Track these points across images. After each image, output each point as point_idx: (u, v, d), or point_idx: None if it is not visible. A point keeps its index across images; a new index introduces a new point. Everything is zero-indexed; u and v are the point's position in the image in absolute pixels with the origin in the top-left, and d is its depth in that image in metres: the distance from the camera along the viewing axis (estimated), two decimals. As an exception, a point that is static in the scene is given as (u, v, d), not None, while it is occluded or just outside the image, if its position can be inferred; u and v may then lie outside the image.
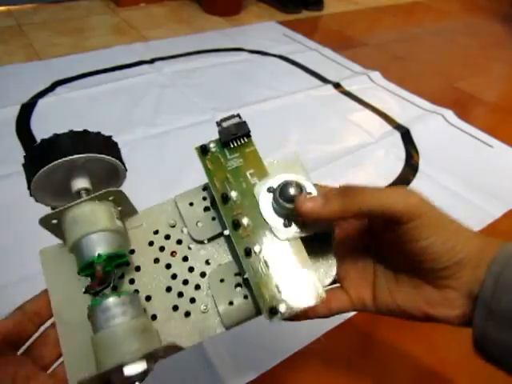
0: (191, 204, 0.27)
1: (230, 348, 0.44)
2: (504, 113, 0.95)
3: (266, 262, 0.23)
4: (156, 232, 0.26)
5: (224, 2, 1.31)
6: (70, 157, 0.23)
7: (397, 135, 0.81)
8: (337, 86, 0.95)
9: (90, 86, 0.85)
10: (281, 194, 0.24)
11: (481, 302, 0.21)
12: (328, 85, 0.95)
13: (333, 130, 0.81)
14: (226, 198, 0.24)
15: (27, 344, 0.24)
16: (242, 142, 0.26)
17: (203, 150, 0.26)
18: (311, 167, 0.67)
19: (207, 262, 0.26)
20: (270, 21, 1.29)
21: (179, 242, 0.26)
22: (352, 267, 0.27)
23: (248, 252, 0.23)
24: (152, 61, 0.97)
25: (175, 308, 0.25)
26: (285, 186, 0.24)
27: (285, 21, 1.29)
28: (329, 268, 0.25)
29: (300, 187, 0.24)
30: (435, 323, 0.24)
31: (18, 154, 0.66)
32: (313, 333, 0.46)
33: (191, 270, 0.26)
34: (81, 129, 0.24)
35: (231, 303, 0.24)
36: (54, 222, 0.23)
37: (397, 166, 0.74)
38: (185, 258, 0.26)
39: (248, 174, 0.25)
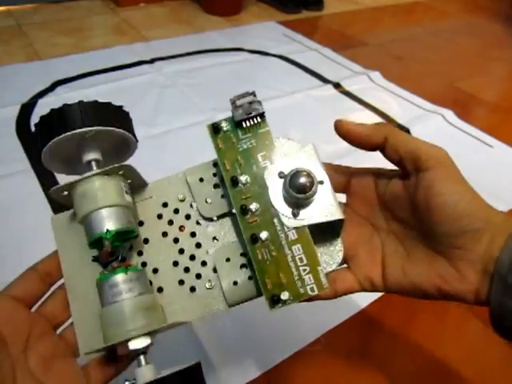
0: (201, 180, 0.26)
1: (230, 347, 0.44)
2: (504, 113, 0.95)
3: (271, 250, 0.23)
4: (165, 205, 0.26)
5: (224, 2, 1.31)
6: (80, 130, 0.22)
7: (397, 135, 0.81)
8: (337, 85, 0.95)
9: (90, 86, 0.85)
10: (291, 183, 0.23)
11: (497, 277, 0.21)
12: (328, 85, 0.95)
13: (333, 129, 0.81)
14: (235, 181, 0.24)
15: (39, 303, 0.25)
16: (256, 122, 0.25)
17: (215, 129, 0.25)
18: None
19: (214, 239, 0.26)
20: (270, 21, 1.29)
21: (188, 216, 0.26)
22: (360, 247, 0.27)
23: (254, 238, 0.23)
24: (152, 61, 0.97)
25: (181, 282, 0.25)
26: (295, 175, 0.23)
27: (285, 21, 1.29)
28: (335, 254, 0.25)
29: (311, 177, 0.23)
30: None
31: (18, 153, 0.66)
32: (313, 332, 0.46)
33: (198, 246, 0.26)
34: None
35: (235, 283, 0.24)
36: (65, 193, 0.23)
37: (397, 165, 0.74)
38: (193, 234, 0.26)
39: (259, 156, 0.25)
